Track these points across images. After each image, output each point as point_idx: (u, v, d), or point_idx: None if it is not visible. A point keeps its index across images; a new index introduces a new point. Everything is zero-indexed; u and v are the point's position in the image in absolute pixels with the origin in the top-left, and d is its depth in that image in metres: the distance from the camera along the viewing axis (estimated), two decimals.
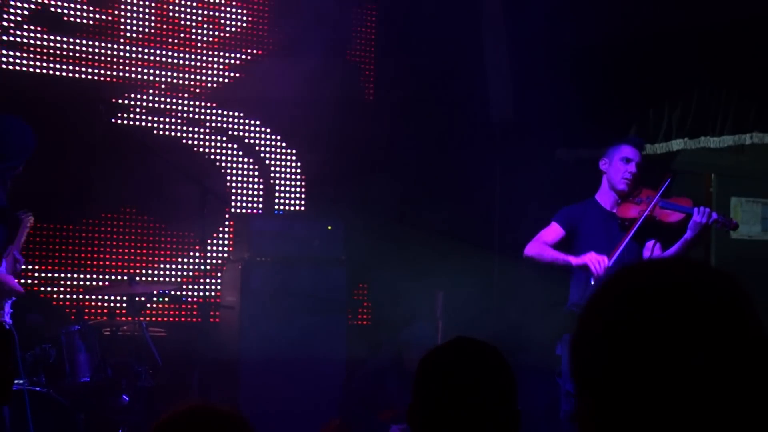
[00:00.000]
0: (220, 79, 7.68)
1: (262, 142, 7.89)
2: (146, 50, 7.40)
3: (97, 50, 7.21)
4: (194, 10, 7.58)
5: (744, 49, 6.72)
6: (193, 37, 7.59)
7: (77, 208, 6.85)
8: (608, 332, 1.20)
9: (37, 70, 7.00)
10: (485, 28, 8.20)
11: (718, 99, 6.85)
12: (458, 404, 2.26)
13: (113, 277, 7.18)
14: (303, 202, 8.02)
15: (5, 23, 6.90)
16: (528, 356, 6.56)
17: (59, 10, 7.09)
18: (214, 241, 7.62)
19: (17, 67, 6.94)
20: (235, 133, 7.77)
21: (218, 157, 7.71)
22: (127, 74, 7.33)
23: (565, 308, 5.63)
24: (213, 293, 7.52)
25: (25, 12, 6.97)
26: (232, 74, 7.72)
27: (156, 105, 7.44)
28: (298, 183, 8.01)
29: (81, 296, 7.12)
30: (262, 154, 7.89)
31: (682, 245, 5.43)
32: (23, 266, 6.08)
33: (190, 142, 7.58)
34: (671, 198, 5.59)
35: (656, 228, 5.57)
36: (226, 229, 7.66)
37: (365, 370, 6.50)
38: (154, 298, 7.09)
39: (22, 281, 6.83)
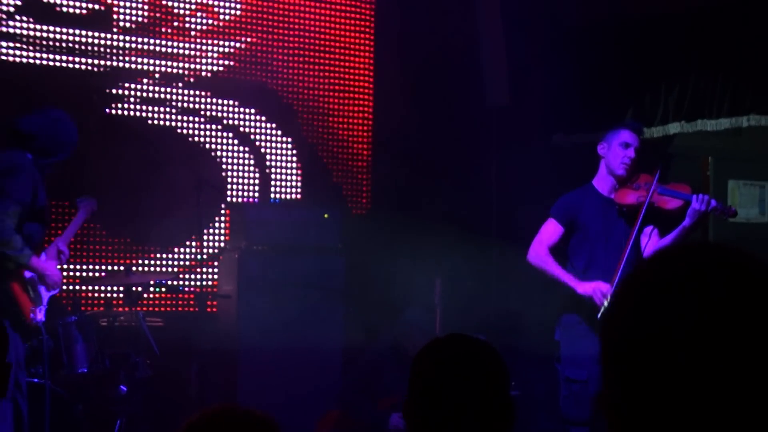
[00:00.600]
0: (215, 68, 7.69)
1: (258, 130, 7.90)
2: (139, 39, 7.40)
3: (90, 40, 7.21)
4: None
5: (740, 32, 6.74)
6: (187, 25, 7.59)
7: (72, 198, 6.83)
8: (646, 319, 1.17)
9: (30, 61, 7.00)
10: (481, 13, 8.22)
11: (714, 82, 6.87)
12: (452, 400, 2.31)
13: (110, 268, 7.20)
14: (299, 190, 8.04)
15: None
16: (527, 342, 6.60)
17: (52, 1, 7.08)
18: (211, 231, 7.64)
19: (10, 58, 6.94)
20: (230, 122, 7.78)
21: (213, 146, 7.73)
22: (120, 64, 7.33)
23: (563, 295, 5.61)
24: (210, 283, 7.55)
25: (18, 2, 6.96)
26: (226, 63, 7.72)
27: (150, 94, 7.45)
28: (294, 171, 8.03)
29: (78, 287, 7.14)
30: (258, 143, 7.90)
31: (680, 232, 5.43)
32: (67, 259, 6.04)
33: (184, 131, 7.58)
34: (669, 184, 5.59)
35: (654, 214, 5.57)
36: (223, 219, 7.68)
37: (363, 359, 6.52)
38: (151, 288, 7.11)
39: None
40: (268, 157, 7.93)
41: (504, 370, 2.39)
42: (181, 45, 7.56)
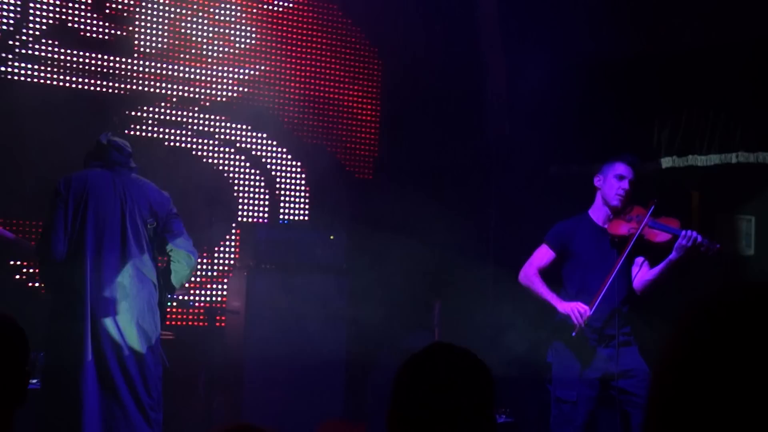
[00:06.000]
0: (229, 94, 7.84)
1: (269, 154, 8.05)
2: (159, 65, 7.56)
3: (112, 64, 7.38)
4: (205, 27, 7.75)
5: (730, 72, 6.94)
6: (204, 52, 7.75)
7: None
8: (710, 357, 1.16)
9: (54, 83, 7.16)
10: (484, 46, 8.38)
11: (705, 119, 7.01)
12: (434, 410, 2.26)
13: None
14: (307, 212, 8.16)
15: (24, 37, 7.08)
16: (520, 363, 6.76)
17: (76, 26, 7.26)
18: (221, 249, 7.76)
19: (35, 80, 7.10)
20: (243, 145, 7.93)
21: (226, 168, 7.86)
22: (140, 87, 7.49)
23: (555, 319, 5.77)
24: (219, 298, 7.65)
25: (44, 27, 7.14)
26: (241, 89, 7.88)
27: (167, 117, 7.60)
28: (302, 194, 8.17)
29: None
30: (268, 166, 8.04)
31: (666, 264, 5.58)
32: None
33: (199, 153, 7.73)
34: (660, 218, 5.68)
35: (644, 246, 5.70)
36: (233, 238, 7.78)
37: (382, 374, 6.63)
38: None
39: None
40: (277, 179, 8.06)
41: (488, 381, 2.34)
42: (197, 71, 7.72)
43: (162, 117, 7.60)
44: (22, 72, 7.08)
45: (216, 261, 7.74)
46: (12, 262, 6.97)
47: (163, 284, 5.59)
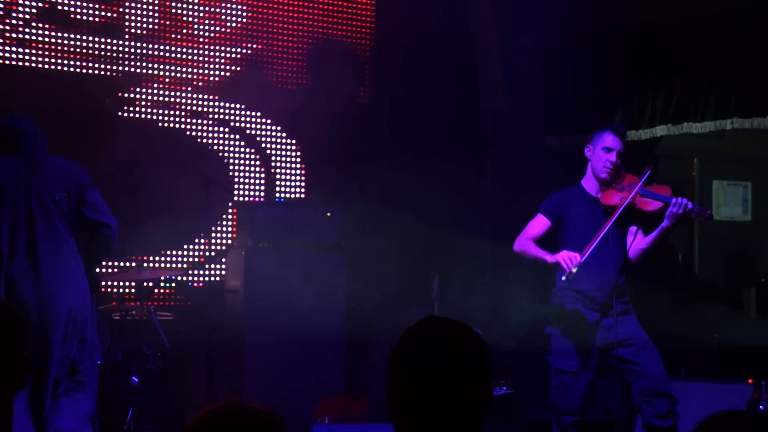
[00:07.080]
0: (222, 73, 7.84)
1: (263, 132, 8.05)
2: (150, 46, 7.55)
3: (103, 46, 7.37)
4: (196, 7, 7.74)
5: (724, 39, 6.94)
6: (195, 32, 7.74)
7: None
8: None
9: (47, 66, 7.16)
10: (475, 18, 8.38)
11: (699, 86, 7.03)
12: (430, 383, 2.22)
13: (122, 264, 7.28)
14: (303, 189, 8.18)
15: (15, 21, 7.07)
16: (520, 335, 6.80)
17: (67, 8, 7.25)
18: (219, 229, 7.77)
19: (27, 64, 7.10)
20: (237, 124, 7.94)
21: (221, 147, 7.87)
22: (132, 69, 7.49)
23: (554, 291, 5.77)
24: (218, 278, 7.67)
25: (34, 10, 7.13)
26: (233, 68, 7.88)
27: (160, 98, 7.60)
28: (298, 172, 8.19)
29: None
30: (263, 144, 8.04)
31: (659, 232, 5.57)
32: None
33: (193, 133, 7.74)
34: (652, 186, 5.66)
35: (638, 215, 5.68)
36: (230, 217, 7.80)
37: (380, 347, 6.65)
38: (162, 284, 7.32)
39: None
40: (273, 158, 8.07)
41: (482, 353, 2.30)
42: (189, 51, 7.71)
43: (155, 98, 7.60)
44: (14, 56, 7.07)
45: (213, 241, 7.75)
46: None
47: (87, 256, 5.57)
